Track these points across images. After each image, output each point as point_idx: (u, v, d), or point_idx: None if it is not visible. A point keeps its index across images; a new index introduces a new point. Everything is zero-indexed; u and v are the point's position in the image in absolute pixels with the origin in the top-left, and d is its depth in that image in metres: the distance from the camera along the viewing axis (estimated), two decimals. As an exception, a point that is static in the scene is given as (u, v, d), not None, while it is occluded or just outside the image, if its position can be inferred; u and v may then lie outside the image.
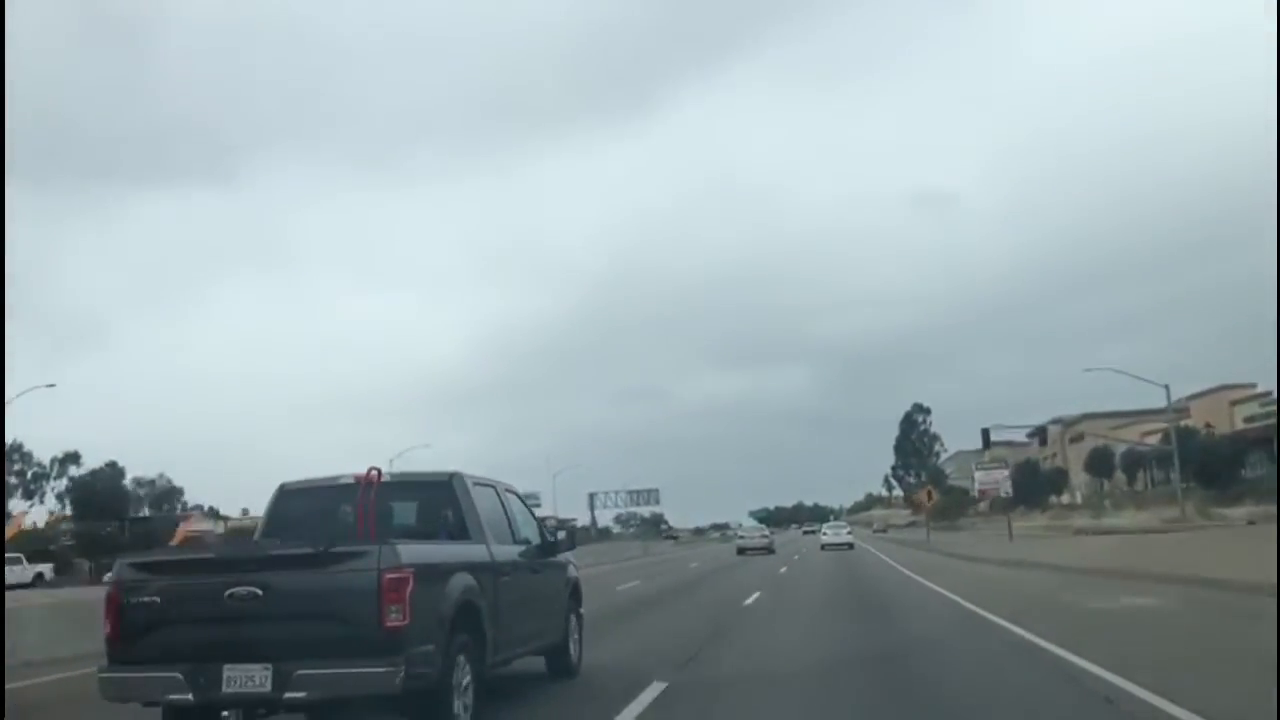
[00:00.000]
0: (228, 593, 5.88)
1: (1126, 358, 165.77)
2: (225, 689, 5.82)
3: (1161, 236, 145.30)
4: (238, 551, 7.36)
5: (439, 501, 7.68)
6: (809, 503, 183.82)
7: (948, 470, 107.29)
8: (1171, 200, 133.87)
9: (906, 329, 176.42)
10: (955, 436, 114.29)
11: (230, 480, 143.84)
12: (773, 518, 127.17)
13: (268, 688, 5.77)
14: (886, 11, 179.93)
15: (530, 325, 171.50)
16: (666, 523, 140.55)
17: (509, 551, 7.92)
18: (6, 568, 32.23)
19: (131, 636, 6.09)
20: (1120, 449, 68.70)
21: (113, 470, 72.66)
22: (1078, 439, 76.71)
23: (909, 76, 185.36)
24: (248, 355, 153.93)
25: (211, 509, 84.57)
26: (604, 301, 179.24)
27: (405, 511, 8.01)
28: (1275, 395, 34.60)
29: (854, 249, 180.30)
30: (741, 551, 46.24)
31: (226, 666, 5.81)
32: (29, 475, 71.37)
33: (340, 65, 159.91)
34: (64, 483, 72.65)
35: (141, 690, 6.13)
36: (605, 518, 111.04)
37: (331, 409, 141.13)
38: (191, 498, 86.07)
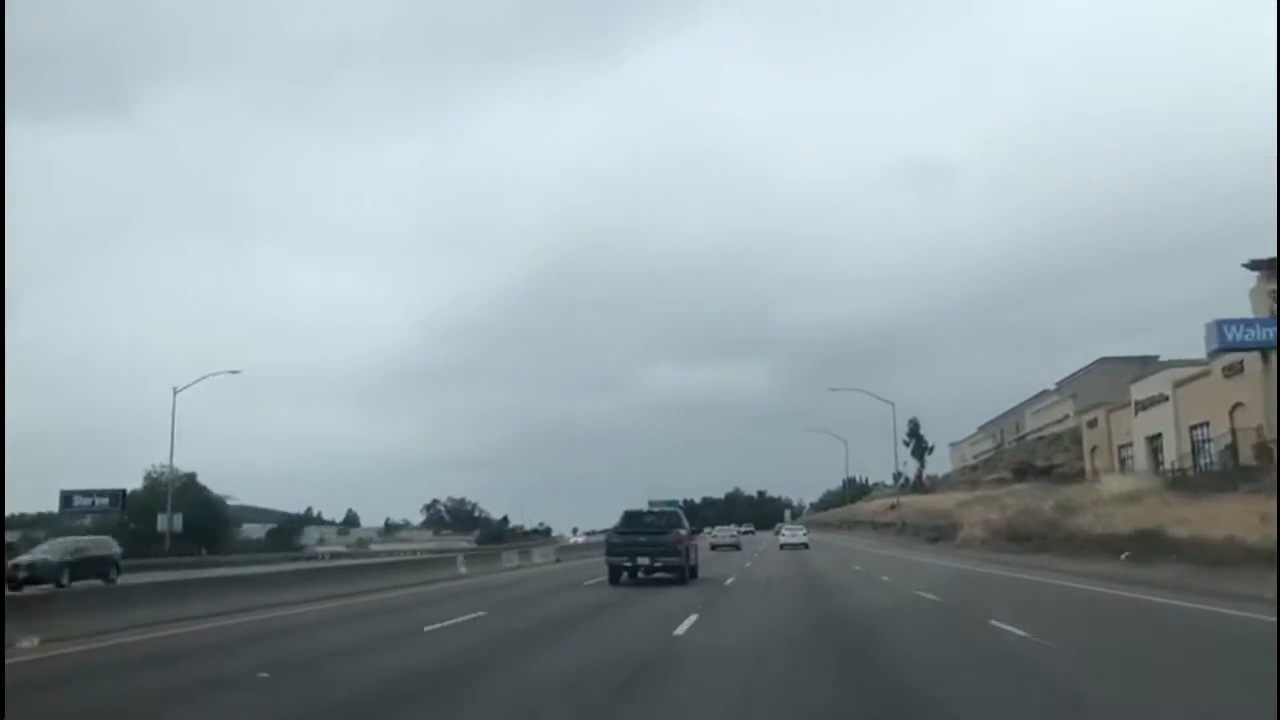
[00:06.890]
0: (639, 539, 23.82)
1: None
2: (637, 562, 24.04)
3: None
4: (638, 529, 25.25)
5: (672, 514, 26.06)
6: (748, 492, 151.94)
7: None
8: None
9: (884, 318, 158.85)
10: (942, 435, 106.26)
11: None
12: (697, 513, 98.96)
13: (649, 563, 23.92)
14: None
15: (472, 302, 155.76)
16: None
17: (686, 533, 25.53)
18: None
19: (612, 547, 24.28)
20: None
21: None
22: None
23: (908, 36, 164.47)
24: (151, 320, 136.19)
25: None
26: (557, 276, 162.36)
27: (665, 517, 26.00)
28: (1275, 388, 34.98)
29: (831, 229, 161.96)
30: (714, 548, 56.67)
31: (638, 557, 23.85)
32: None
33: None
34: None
35: (614, 561, 24.31)
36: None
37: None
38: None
